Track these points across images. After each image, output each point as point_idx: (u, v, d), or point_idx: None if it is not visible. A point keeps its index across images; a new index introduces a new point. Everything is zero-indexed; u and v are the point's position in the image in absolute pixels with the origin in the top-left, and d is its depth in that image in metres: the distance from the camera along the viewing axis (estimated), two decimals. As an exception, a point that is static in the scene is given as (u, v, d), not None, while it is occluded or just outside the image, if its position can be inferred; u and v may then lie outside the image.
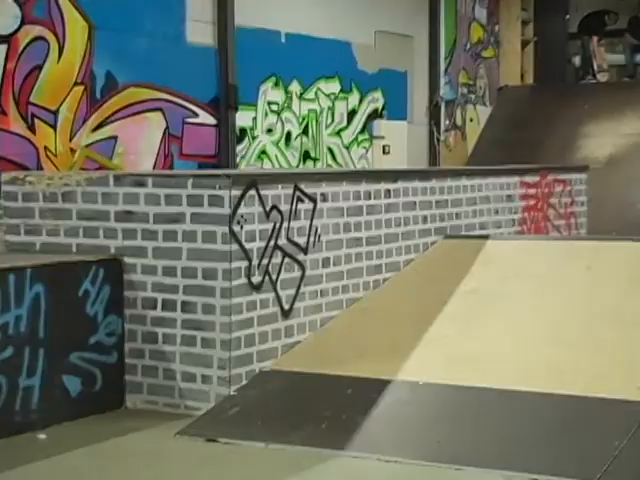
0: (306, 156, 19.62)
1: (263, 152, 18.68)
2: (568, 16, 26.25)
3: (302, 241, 7.47)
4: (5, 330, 6.31)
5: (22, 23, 14.50)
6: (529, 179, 10.76)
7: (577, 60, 25.98)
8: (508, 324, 7.41)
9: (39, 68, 14.76)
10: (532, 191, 10.79)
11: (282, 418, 6.57)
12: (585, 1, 25.65)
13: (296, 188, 7.45)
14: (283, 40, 18.85)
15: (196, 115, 17.33)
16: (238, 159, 17.91)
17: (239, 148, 18.08)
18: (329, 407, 6.57)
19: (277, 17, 18.64)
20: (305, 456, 5.97)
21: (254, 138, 18.45)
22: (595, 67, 25.32)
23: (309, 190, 7.57)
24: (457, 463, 5.76)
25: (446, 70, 23.81)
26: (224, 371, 6.80)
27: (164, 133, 16.72)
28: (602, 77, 25.40)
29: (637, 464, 5.60)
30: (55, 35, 14.92)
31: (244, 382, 6.89)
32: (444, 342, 7.26)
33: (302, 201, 7.49)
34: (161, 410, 6.89)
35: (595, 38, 25.15)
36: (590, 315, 7.38)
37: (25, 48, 14.59)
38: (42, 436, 6.33)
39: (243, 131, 18.24)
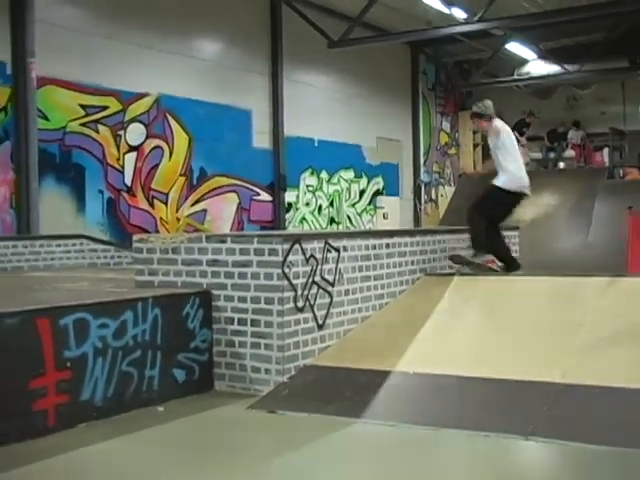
0: (332, 221, 19.84)
1: (303, 218, 18.89)
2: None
3: (330, 278, 7.45)
4: (136, 338, 6.34)
5: (146, 137, 14.71)
6: (481, 235, 10.72)
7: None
8: (468, 332, 7.38)
9: (157, 166, 15.01)
10: (483, 243, 10.73)
11: (318, 397, 6.54)
12: (512, 117, 25.98)
13: (326, 242, 7.45)
14: (316, 144, 19.12)
15: (259, 194, 17.55)
16: (287, 223, 18.04)
17: (287, 216, 18.32)
18: (349, 389, 6.55)
19: (311, 129, 18.94)
20: (334, 422, 5.97)
21: (297, 209, 18.68)
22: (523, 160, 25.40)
23: (335, 244, 7.56)
24: (435, 426, 5.74)
25: (424, 163, 24.02)
26: (279, 366, 6.78)
27: (237, 207, 16.97)
28: (527, 167, 25.50)
29: (555, 423, 5.61)
30: (167, 144, 15.16)
31: (293, 373, 6.87)
32: (427, 344, 7.23)
33: (330, 251, 7.49)
34: (238, 392, 6.85)
35: (522, 140, 25.31)
36: (523, 324, 7.35)
37: (148, 153, 14.77)
38: (160, 409, 6.33)
39: (290, 205, 18.49)
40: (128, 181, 14.55)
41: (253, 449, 5.48)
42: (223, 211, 16.60)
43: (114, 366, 6.17)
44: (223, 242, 7.12)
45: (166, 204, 15.27)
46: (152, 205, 14.98)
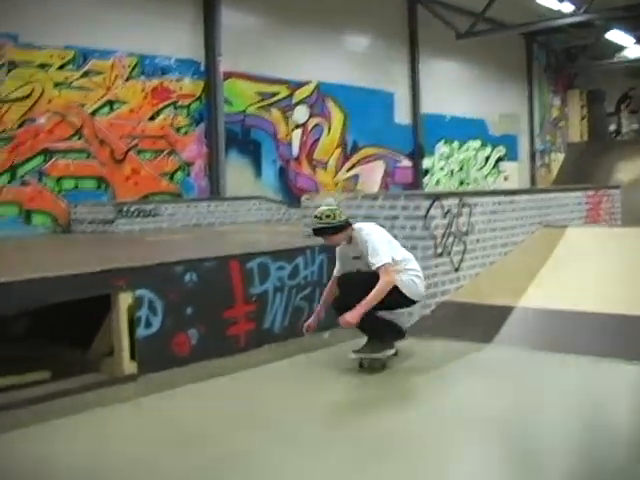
0: (461, 183, 19.48)
1: (437, 181, 18.61)
2: (605, 102, 25.67)
3: (464, 229, 7.22)
4: (306, 278, 6.40)
5: (310, 116, 14.77)
6: (589, 193, 10.21)
7: (612, 127, 25.29)
8: (579, 274, 7.03)
9: (318, 140, 15.04)
10: (591, 200, 10.22)
11: (455, 326, 6.43)
12: (613, 94, 24.99)
13: (460, 200, 7.22)
14: (447, 120, 18.75)
15: (401, 161, 17.45)
16: (424, 185, 17.94)
17: (424, 179, 18.08)
18: (482, 320, 6.43)
19: (444, 107, 18.57)
20: (468, 345, 5.92)
21: (433, 174, 18.47)
22: (622, 131, 24.71)
23: (467, 201, 7.31)
24: (551, 350, 5.63)
25: (539, 133, 23.19)
26: (422, 302, 6.63)
27: (384, 172, 16.82)
28: (626, 137, 24.78)
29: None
30: (326, 122, 15.14)
31: (433, 308, 6.75)
32: (544, 284, 6.95)
33: (463, 207, 7.24)
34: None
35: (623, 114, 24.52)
36: (626, 266, 7.02)
37: (311, 130, 14.84)
38: (326, 335, 6.25)
39: (427, 170, 18.28)
40: (295, 152, 14.71)
41: (403, 365, 5.47)
42: (372, 176, 16.59)
43: (289, 301, 6.23)
44: (375, 200, 7.01)
45: (325, 170, 15.37)
46: (314, 171, 15.11)
